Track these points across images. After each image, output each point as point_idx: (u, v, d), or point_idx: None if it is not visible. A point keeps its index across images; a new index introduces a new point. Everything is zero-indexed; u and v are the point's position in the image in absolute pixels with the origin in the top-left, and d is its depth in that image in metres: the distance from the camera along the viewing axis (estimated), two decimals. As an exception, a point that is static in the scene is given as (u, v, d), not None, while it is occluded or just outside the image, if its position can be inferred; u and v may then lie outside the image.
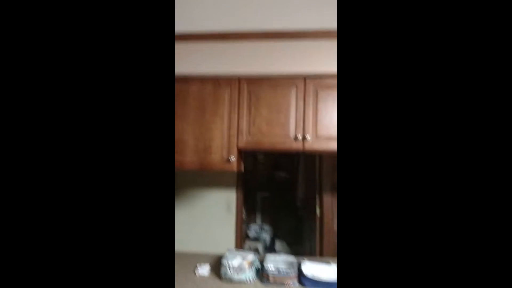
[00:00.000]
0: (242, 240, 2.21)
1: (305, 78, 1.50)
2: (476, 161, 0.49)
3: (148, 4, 0.55)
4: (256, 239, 2.82)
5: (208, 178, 2.05)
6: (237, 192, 2.09)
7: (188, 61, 1.53)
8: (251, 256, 1.44)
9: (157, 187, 0.54)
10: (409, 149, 0.52)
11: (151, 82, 0.56)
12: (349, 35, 0.56)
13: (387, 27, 0.54)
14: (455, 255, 0.48)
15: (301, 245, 2.81)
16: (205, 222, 2.03)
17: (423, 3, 0.52)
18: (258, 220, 3.22)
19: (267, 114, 1.51)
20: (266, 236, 2.88)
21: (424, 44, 0.53)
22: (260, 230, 2.97)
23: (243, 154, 1.71)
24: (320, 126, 1.48)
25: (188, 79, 1.55)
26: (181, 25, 1.44)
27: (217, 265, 1.51)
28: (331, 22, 1.34)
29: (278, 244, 2.78)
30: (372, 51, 0.55)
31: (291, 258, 1.49)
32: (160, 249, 0.53)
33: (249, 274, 1.35)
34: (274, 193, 3.30)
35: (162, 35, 0.56)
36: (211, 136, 1.54)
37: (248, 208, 2.94)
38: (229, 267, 1.36)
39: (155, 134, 0.55)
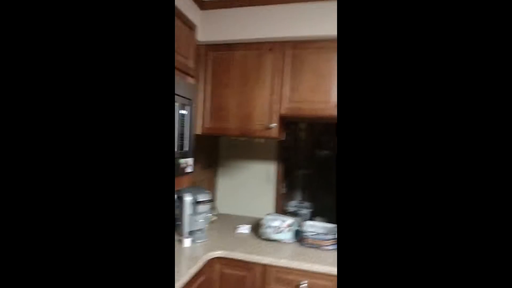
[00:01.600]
0: (281, 211, 2.25)
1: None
2: (477, 157, 0.46)
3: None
4: (295, 214, 2.84)
5: (251, 151, 2.11)
6: (277, 165, 2.12)
7: (232, 27, 1.55)
8: (290, 220, 1.47)
9: (158, 188, 0.54)
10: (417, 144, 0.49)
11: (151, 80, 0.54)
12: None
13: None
14: (456, 256, 0.47)
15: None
16: (246, 192, 2.11)
17: None
18: (298, 197, 3.23)
19: (311, 79, 1.48)
20: (306, 212, 2.89)
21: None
22: (299, 206, 2.98)
23: (284, 122, 1.71)
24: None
25: (232, 46, 1.58)
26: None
27: (257, 226, 1.58)
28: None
29: (317, 220, 2.77)
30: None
31: (329, 225, 1.48)
32: (160, 248, 0.53)
33: (287, 235, 1.39)
34: (315, 171, 3.25)
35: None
36: (253, 103, 1.56)
37: (288, 185, 2.96)
38: (268, 227, 1.41)
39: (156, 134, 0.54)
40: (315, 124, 3.17)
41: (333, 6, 1.39)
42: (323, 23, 1.41)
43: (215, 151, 2.14)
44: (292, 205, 2.96)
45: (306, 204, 3.02)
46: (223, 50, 1.59)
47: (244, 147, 2.11)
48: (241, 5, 1.53)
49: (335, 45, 1.43)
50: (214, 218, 1.69)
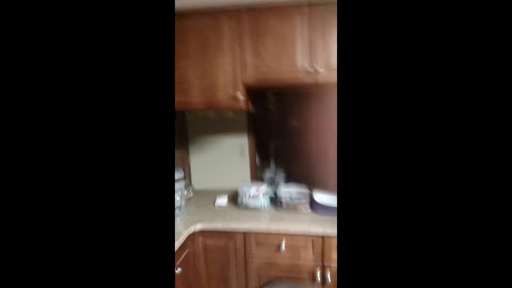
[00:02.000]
0: (257, 180, 2.30)
1: (310, 4, 1.38)
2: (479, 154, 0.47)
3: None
4: (271, 183, 2.93)
5: (221, 125, 2.08)
6: (249, 138, 2.13)
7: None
8: (265, 187, 1.51)
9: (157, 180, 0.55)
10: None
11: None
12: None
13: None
14: (458, 255, 0.48)
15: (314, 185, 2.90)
16: (221, 166, 2.11)
17: None
18: (272, 166, 3.31)
19: (273, 46, 1.44)
20: (280, 179, 2.98)
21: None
22: (274, 174, 3.06)
23: (251, 93, 1.68)
24: (333, 57, 1.39)
25: (185, 14, 1.47)
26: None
27: (234, 197, 1.61)
28: None
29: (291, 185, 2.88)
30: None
31: (304, 189, 1.55)
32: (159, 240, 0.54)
33: (263, 201, 1.44)
34: (287, 140, 3.32)
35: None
36: (215, 73, 1.50)
37: (262, 156, 3.01)
38: (244, 196, 1.44)
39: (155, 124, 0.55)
40: (284, 95, 3.18)
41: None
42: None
43: (184, 129, 2.07)
44: (267, 175, 3.05)
45: (280, 171, 3.12)
46: (177, 19, 1.48)
47: (214, 123, 2.07)
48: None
49: (297, 9, 1.39)
50: (190, 195, 1.68)
